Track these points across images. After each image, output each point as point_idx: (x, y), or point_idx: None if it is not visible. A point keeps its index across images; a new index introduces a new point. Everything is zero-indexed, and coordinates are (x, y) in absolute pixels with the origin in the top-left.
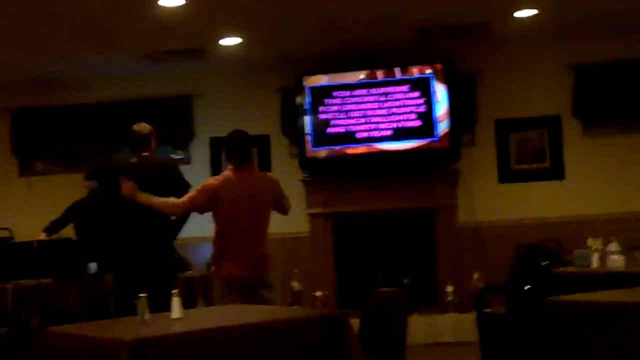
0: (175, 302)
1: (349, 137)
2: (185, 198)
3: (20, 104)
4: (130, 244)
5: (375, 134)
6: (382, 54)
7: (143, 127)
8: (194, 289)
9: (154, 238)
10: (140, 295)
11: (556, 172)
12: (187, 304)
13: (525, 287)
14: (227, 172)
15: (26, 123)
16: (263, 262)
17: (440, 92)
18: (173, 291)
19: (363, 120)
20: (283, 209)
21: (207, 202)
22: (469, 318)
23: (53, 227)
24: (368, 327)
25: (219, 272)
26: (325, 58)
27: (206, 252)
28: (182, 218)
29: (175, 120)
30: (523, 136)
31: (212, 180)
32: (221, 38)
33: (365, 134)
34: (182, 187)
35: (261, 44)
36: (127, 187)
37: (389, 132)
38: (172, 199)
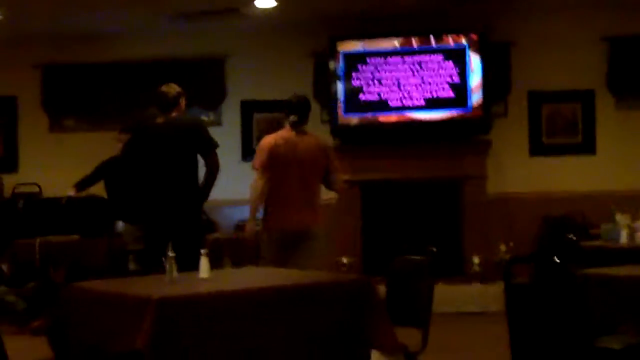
0: (204, 262)
1: (381, 105)
2: (257, 169)
3: (51, 60)
4: (159, 201)
5: (408, 102)
6: (417, 21)
7: (171, 88)
8: (221, 250)
9: (184, 195)
10: (169, 253)
11: (588, 146)
12: (213, 266)
13: (554, 258)
14: (282, 131)
15: (57, 79)
16: (312, 217)
17: (474, 62)
18: (202, 251)
19: (396, 88)
20: (332, 184)
21: (268, 159)
22: (494, 289)
23: (83, 183)
24: (393, 294)
25: (267, 225)
26: (360, 23)
27: (234, 214)
28: (212, 177)
29: (206, 81)
30: (555, 109)
31: (267, 139)
32: None
33: (397, 102)
34: (209, 146)
35: (296, 6)
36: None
37: (421, 101)
38: (253, 185)
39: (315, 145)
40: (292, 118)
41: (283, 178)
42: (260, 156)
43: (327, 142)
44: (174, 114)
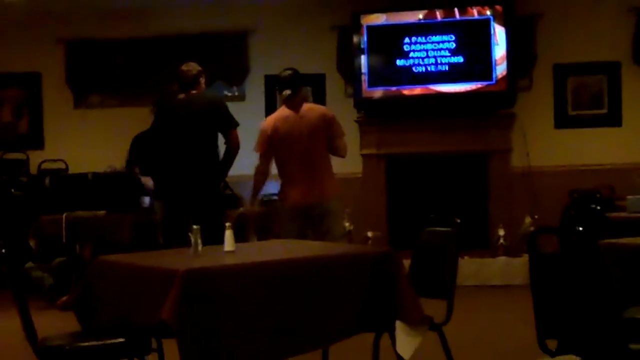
0: (228, 235)
1: (405, 78)
2: (259, 155)
3: (75, 36)
4: (178, 175)
5: (432, 75)
6: None
7: (192, 67)
8: (246, 225)
9: (202, 172)
10: (194, 226)
11: (613, 118)
12: (239, 240)
13: (579, 229)
14: (279, 110)
15: (81, 55)
16: (321, 191)
17: (499, 34)
18: (226, 224)
19: (420, 61)
20: (335, 150)
21: (268, 146)
22: (519, 262)
23: (129, 161)
24: (419, 266)
25: (281, 200)
26: None
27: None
28: (231, 155)
29: (230, 56)
30: (581, 81)
31: (264, 124)
32: None
33: (422, 75)
34: (228, 124)
35: None
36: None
37: (446, 74)
38: (257, 170)
39: (316, 116)
40: (286, 92)
41: (287, 157)
42: (259, 140)
43: (328, 109)
44: (194, 92)
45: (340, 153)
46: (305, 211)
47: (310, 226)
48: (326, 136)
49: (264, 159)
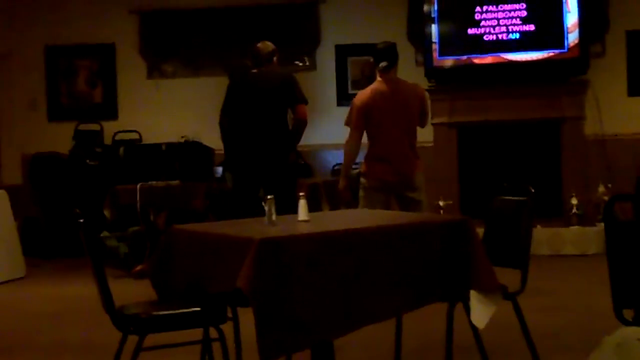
0: (302, 205)
1: (476, 47)
2: (351, 130)
3: (148, 6)
4: (249, 147)
5: (503, 43)
6: None
7: (267, 45)
8: (319, 194)
9: (272, 144)
10: (268, 196)
11: None
12: (311, 210)
13: None
14: (375, 84)
15: (154, 25)
16: (409, 166)
17: (570, 1)
18: (300, 194)
19: (491, 29)
20: (421, 122)
21: (364, 119)
22: (593, 231)
23: None
24: (492, 234)
25: (368, 172)
26: None
27: (331, 158)
28: (299, 129)
29: (300, 26)
30: None
31: (361, 96)
32: None
33: (493, 44)
34: (297, 99)
35: None
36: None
37: (517, 42)
38: (348, 144)
39: (409, 89)
40: (383, 64)
41: (382, 131)
42: (354, 115)
43: (421, 85)
44: (266, 68)
45: (424, 125)
46: (394, 187)
47: (397, 201)
48: (419, 111)
49: (357, 134)
